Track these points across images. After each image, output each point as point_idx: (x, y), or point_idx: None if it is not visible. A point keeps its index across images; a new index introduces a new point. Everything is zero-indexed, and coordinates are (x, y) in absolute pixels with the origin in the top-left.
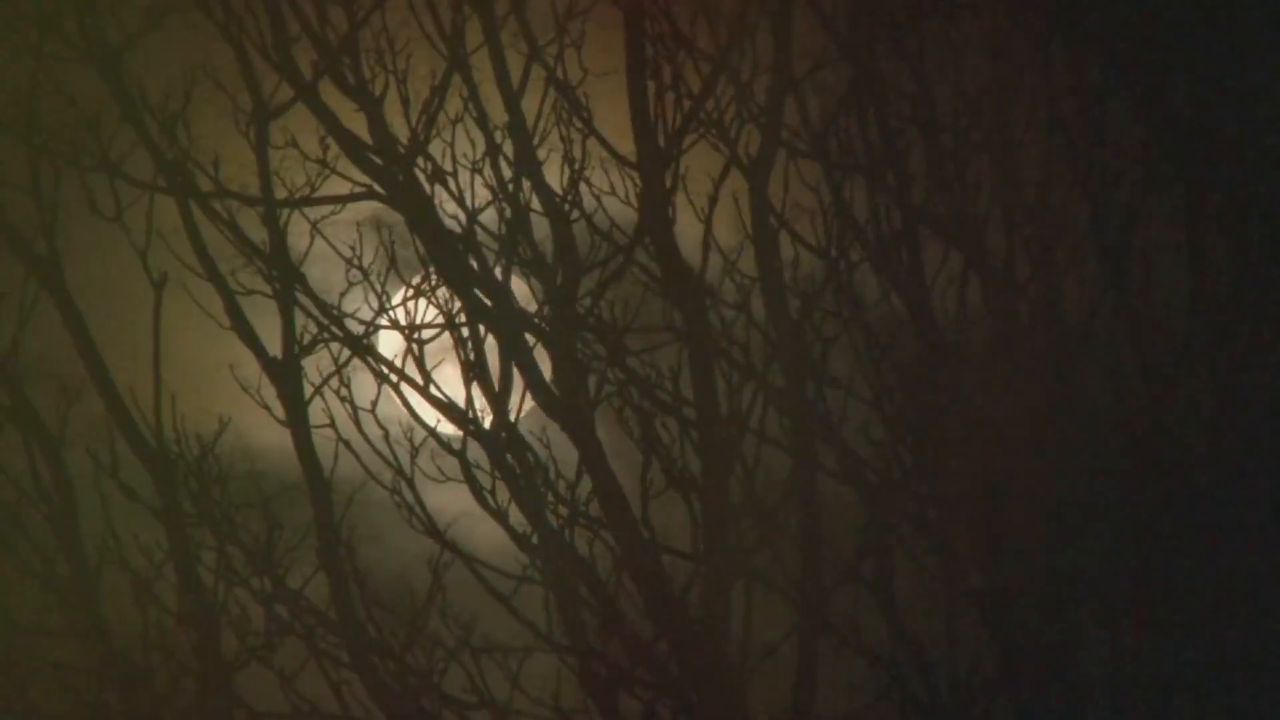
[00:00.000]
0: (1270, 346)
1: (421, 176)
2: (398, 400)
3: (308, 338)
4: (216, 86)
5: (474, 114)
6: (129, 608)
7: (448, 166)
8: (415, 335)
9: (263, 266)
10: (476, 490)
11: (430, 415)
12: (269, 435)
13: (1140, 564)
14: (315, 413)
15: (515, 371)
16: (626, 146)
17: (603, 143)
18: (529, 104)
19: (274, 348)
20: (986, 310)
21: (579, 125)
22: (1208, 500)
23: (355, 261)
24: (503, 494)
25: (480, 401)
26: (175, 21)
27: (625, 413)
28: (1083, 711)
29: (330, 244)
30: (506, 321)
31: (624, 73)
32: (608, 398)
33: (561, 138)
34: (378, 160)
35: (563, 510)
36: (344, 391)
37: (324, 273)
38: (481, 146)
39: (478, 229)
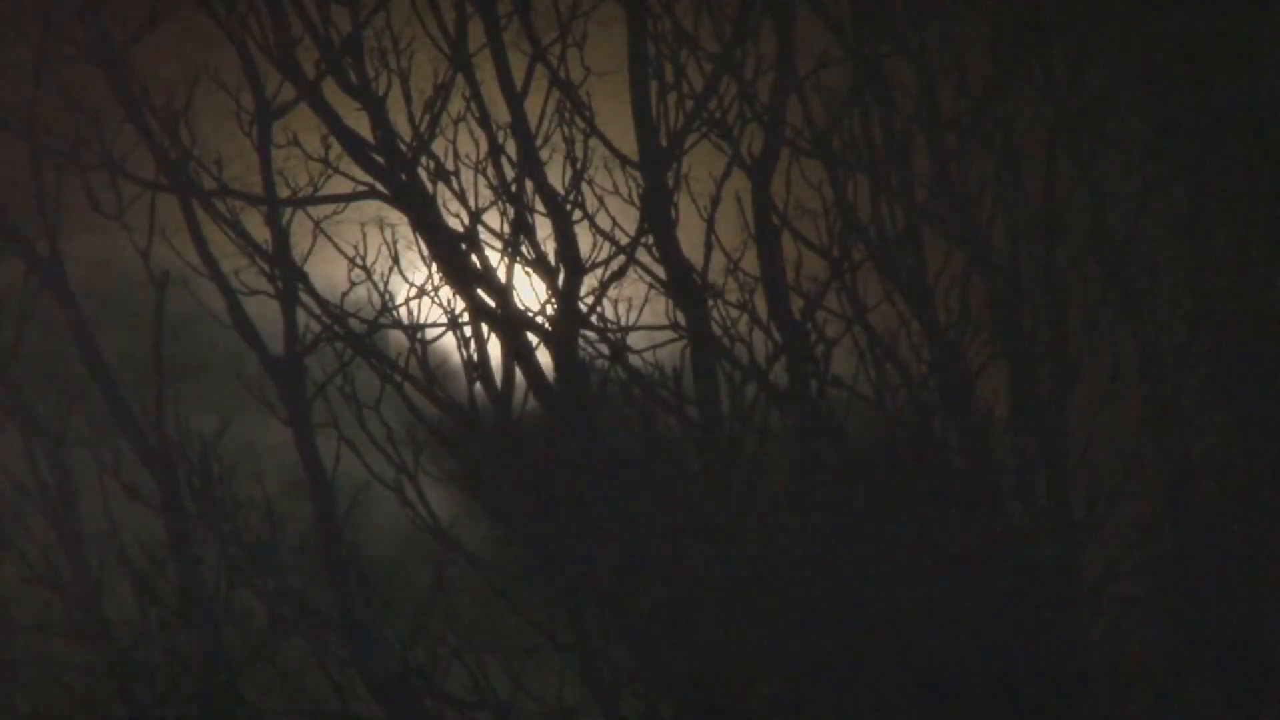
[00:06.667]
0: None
1: (424, 176)
2: (400, 399)
3: (310, 337)
4: (219, 86)
5: (476, 114)
6: (129, 608)
7: (450, 166)
8: (418, 335)
9: (265, 266)
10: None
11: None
12: (271, 434)
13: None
14: (318, 411)
15: (518, 371)
16: (629, 146)
17: (605, 142)
18: (531, 104)
19: (276, 347)
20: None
21: (581, 125)
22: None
23: (358, 261)
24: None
25: (483, 401)
26: (178, 21)
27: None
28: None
29: (333, 243)
30: (509, 321)
31: (626, 72)
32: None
33: (564, 137)
34: (380, 160)
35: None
36: (347, 389)
37: (327, 272)
38: (484, 146)
39: (480, 228)
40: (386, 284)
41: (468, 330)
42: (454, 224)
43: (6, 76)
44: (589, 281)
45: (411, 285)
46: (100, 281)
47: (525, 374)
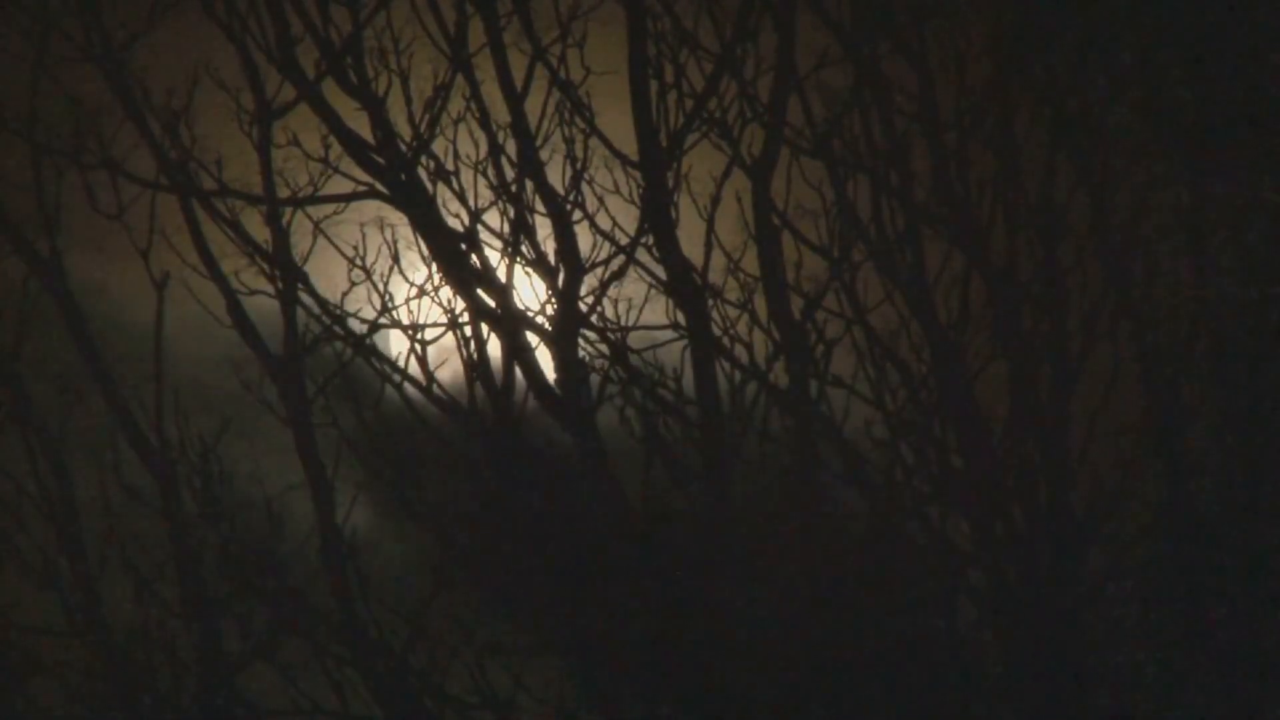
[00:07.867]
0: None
1: (424, 176)
2: (400, 400)
3: (310, 337)
4: (219, 86)
5: (476, 114)
6: (129, 608)
7: (450, 166)
8: (418, 335)
9: (265, 266)
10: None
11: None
12: (271, 434)
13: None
14: (317, 411)
15: (518, 371)
16: (629, 146)
17: (605, 142)
18: (531, 104)
19: (276, 347)
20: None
21: (581, 125)
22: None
23: (358, 261)
24: None
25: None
26: (178, 21)
27: (628, 412)
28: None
29: (333, 243)
30: (509, 321)
31: (626, 72)
32: (610, 397)
33: (564, 137)
34: (380, 160)
35: None
36: (347, 389)
37: (327, 272)
38: (484, 146)
39: (480, 228)
40: (386, 284)
41: (468, 330)
42: (454, 224)
43: (6, 76)
44: (589, 281)
45: (411, 285)
46: (100, 281)
47: (525, 374)
